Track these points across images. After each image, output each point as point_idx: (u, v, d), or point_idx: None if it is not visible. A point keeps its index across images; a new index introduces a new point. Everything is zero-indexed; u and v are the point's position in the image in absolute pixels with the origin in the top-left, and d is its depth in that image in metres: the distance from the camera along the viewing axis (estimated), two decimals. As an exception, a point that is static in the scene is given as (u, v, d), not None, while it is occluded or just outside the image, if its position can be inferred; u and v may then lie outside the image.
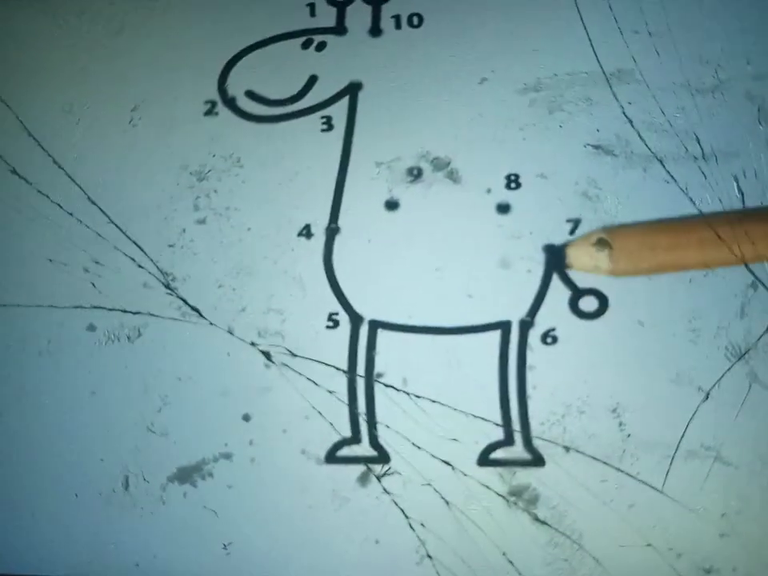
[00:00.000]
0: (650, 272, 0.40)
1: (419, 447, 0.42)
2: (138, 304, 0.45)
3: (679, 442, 0.40)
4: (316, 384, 0.43)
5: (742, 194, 0.41)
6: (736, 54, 0.42)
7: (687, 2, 0.43)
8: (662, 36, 0.43)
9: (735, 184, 0.41)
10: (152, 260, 0.45)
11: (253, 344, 0.43)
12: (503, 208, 0.43)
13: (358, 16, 0.46)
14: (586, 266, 0.40)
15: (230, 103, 0.46)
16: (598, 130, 0.43)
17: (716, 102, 0.42)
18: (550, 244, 0.42)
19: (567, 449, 0.41)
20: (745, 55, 0.42)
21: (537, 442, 0.41)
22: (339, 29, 0.46)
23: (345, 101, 0.45)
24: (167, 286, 0.45)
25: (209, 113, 0.46)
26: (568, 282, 0.42)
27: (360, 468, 0.42)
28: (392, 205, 0.44)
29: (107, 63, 0.48)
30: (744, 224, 0.39)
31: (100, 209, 0.46)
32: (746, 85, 0.42)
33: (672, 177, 0.42)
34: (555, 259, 0.42)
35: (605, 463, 0.40)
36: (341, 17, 0.47)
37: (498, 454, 0.41)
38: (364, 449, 0.42)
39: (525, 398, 0.41)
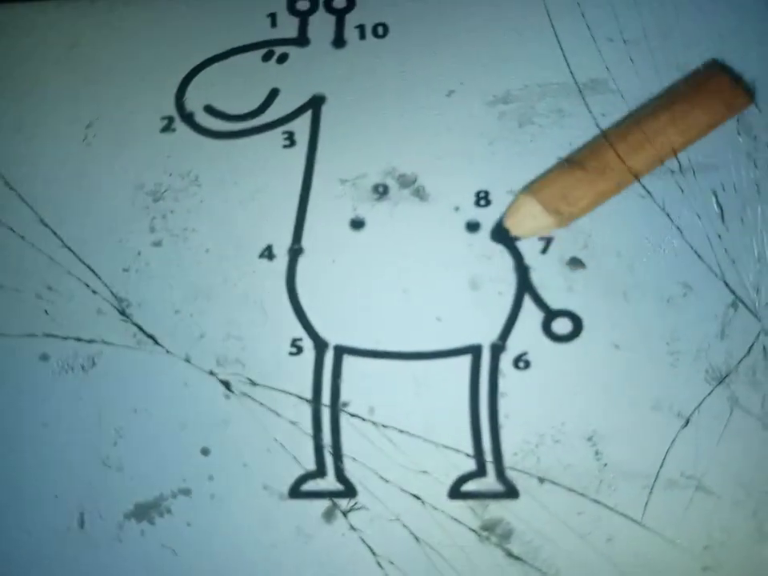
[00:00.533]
0: (590, 206, 0.39)
1: (387, 480, 0.40)
2: (92, 331, 0.43)
3: (658, 471, 0.38)
4: (278, 415, 0.41)
5: (722, 209, 0.40)
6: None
7: (663, 9, 0.42)
8: (638, 43, 0.42)
9: (714, 198, 0.40)
10: (106, 285, 0.43)
11: (211, 373, 0.41)
12: (473, 226, 0.41)
13: (321, 26, 0.45)
14: (533, 229, 0.40)
15: (188, 119, 0.45)
16: (570, 144, 0.41)
17: (693, 112, 0.40)
18: (521, 264, 0.40)
19: (542, 480, 0.39)
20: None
21: (510, 473, 0.39)
22: (301, 40, 0.45)
23: (308, 115, 0.43)
24: (122, 313, 0.43)
25: (166, 129, 0.45)
26: (540, 303, 0.40)
27: (325, 503, 0.40)
28: (357, 224, 0.42)
29: (60, 78, 0.46)
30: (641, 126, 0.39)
31: (53, 231, 0.44)
32: (723, 95, 0.40)
33: (647, 191, 0.40)
34: (527, 279, 0.40)
35: (581, 494, 0.39)
36: (303, 27, 0.45)
37: (469, 486, 0.39)
38: (329, 483, 0.40)
39: (497, 426, 0.39)
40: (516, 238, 0.40)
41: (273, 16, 0.45)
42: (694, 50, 0.41)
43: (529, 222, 0.39)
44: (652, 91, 0.41)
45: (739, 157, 0.40)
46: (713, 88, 0.39)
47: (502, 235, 0.41)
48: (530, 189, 0.40)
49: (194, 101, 0.45)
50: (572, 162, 0.39)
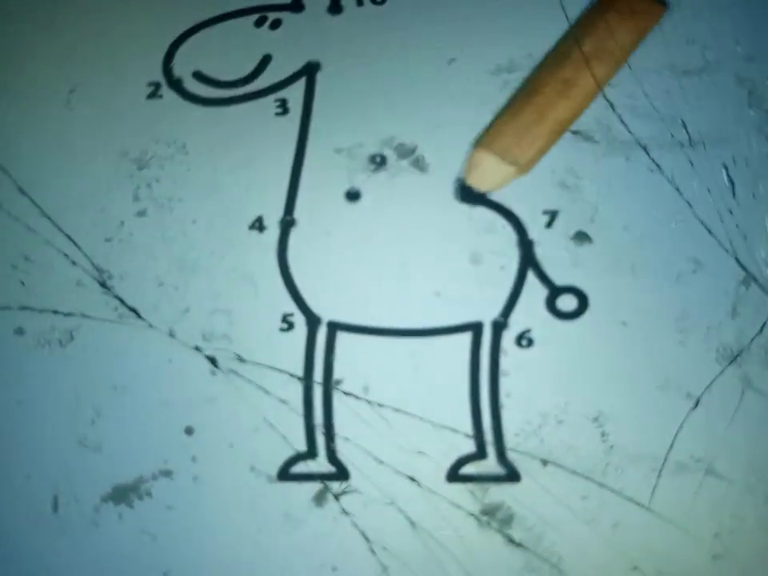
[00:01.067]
0: (548, 144, 0.38)
1: (382, 462, 0.38)
2: (71, 304, 0.41)
3: (667, 454, 0.37)
4: (267, 392, 0.39)
5: (732, 184, 0.38)
6: (724, 34, 0.40)
7: (672, -23, 0.40)
8: None
9: (725, 172, 0.38)
10: (87, 256, 0.41)
11: (197, 348, 0.39)
12: (474, 198, 0.39)
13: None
14: (496, 182, 0.39)
15: (176, 85, 0.43)
16: (576, 113, 0.39)
17: (703, 84, 0.39)
18: (525, 238, 0.39)
19: (545, 462, 0.37)
20: (734, 35, 0.40)
21: (511, 455, 0.37)
22: (296, 5, 0.43)
23: (301, 82, 0.42)
24: (103, 285, 0.41)
25: (152, 95, 0.43)
26: (544, 279, 0.38)
27: (316, 486, 0.38)
28: (353, 195, 0.40)
29: (43, 41, 0.44)
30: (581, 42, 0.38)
31: (31, 199, 0.42)
32: (735, 66, 0.39)
33: (657, 165, 0.39)
34: (530, 254, 0.39)
35: (586, 478, 0.37)
36: None
37: (468, 469, 0.38)
38: (320, 464, 0.38)
39: (498, 406, 0.38)
40: (484, 194, 0.39)
41: (267, -20, 0.44)
42: (704, 23, 0.40)
43: (490, 176, 0.39)
44: (661, 63, 0.40)
45: (750, 130, 0.39)
46: None
47: (467, 194, 0.39)
48: (482, 142, 0.39)
49: (183, 67, 0.43)
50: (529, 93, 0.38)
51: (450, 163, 0.40)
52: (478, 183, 0.39)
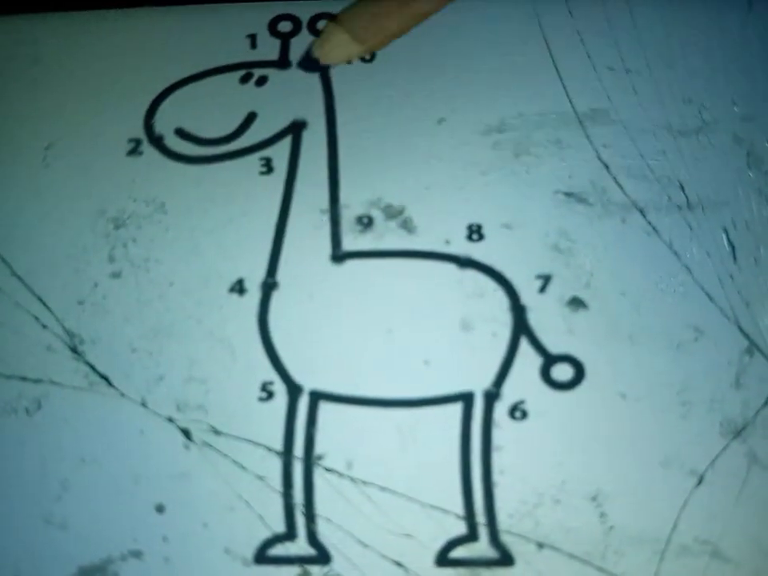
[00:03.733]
0: (400, 32, 0.39)
1: (366, 545, 0.35)
2: (40, 370, 0.39)
3: (670, 536, 0.35)
4: (243, 468, 0.36)
5: (733, 247, 0.37)
6: (721, 93, 0.39)
7: (666, 37, 0.40)
8: (640, 73, 0.40)
9: (725, 236, 0.37)
10: (57, 319, 0.39)
11: (170, 420, 0.37)
12: (464, 262, 0.38)
13: (304, 49, 0.42)
14: (341, 57, 0.40)
15: (157, 142, 0.41)
16: (569, 176, 0.38)
17: (701, 145, 0.38)
18: (517, 303, 0.37)
19: (540, 545, 0.35)
20: (730, 94, 0.39)
21: (505, 537, 0.35)
22: (282, 62, 0.42)
23: (287, 141, 0.41)
24: (73, 350, 0.39)
25: (132, 152, 0.41)
26: (538, 347, 0.37)
27: (295, 570, 0.36)
28: (338, 257, 0.39)
29: (20, 95, 0.43)
30: None
31: (1, 258, 0.40)
32: (733, 126, 0.39)
33: (654, 228, 0.38)
34: (523, 320, 0.37)
35: (584, 562, 0.35)
36: (284, 49, 0.43)
37: (459, 552, 0.35)
38: (300, 547, 0.36)
39: (490, 484, 0.36)
40: (326, 67, 0.41)
41: (253, 37, 0.43)
42: (700, 82, 0.40)
43: (337, 51, 0.40)
44: (656, 123, 0.39)
45: (750, 192, 0.38)
46: None
47: (310, 63, 0.41)
48: (339, 18, 0.40)
49: (165, 123, 0.42)
50: None
51: (438, 225, 0.39)
52: (324, 56, 0.41)
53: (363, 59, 0.42)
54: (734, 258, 0.37)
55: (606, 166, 0.38)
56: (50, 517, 0.37)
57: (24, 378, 0.39)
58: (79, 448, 0.38)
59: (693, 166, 0.38)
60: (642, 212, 0.38)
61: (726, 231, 0.37)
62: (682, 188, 0.38)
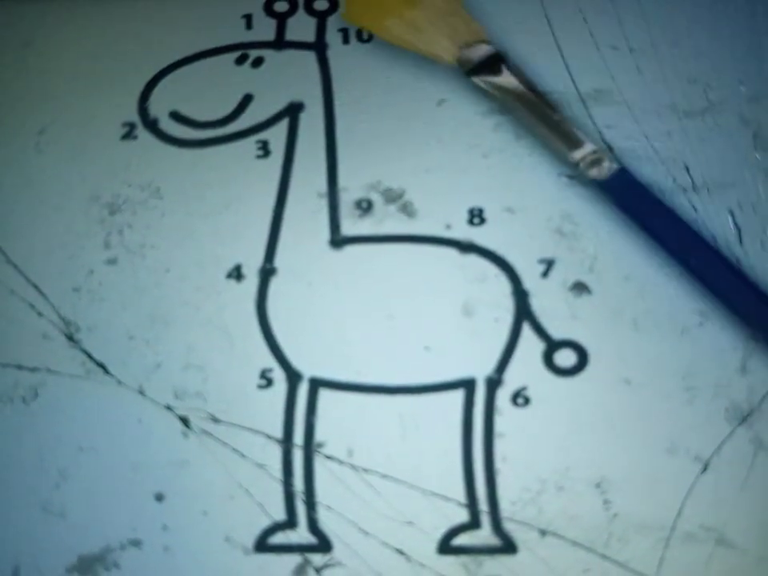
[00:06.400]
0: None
1: (367, 533, 0.35)
2: (36, 359, 0.38)
3: (674, 523, 0.34)
4: (243, 456, 0.36)
5: (739, 230, 0.36)
6: (727, 73, 0.38)
7: (672, 15, 0.39)
8: (645, 52, 0.39)
9: (731, 219, 0.36)
10: (53, 307, 0.39)
11: (168, 407, 0.37)
12: (465, 247, 0.37)
13: (301, 29, 0.42)
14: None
15: (152, 125, 0.41)
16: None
17: (706, 126, 0.38)
18: (520, 288, 0.36)
19: (543, 532, 0.34)
20: (737, 74, 0.38)
21: (508, 525, 0.35)
22: (279, 43, 0.42)
23: (284, 123, 0.40)
24: (70, 338, 0.38)
25: (126, 136, 0.41)
26: (541, 332, 0.36)
27: (296, 558, 0.35)
28: (337, 242, 0.38)
29: (12, 79, 0.43)
30: None
31: (-4, 245, 0.40)
32: (739, 107, 0.38)
33: (659, 211, 0.37)
34: (526, 305, 0.36)
35: (588, 549, 0.34)
36: (281, 30, 0.42)
37: (461, 540, 0.35)
38: (301, 535, 0.35)
39: (493, 471, 0.35)
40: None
41: (248, 17, 0.43)
42: (706, 61, 0.39)
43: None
44: (661, 103, 0.38)
45: (757, 174, 0.37)
46: None
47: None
48: None
49: (159, 106, 0.41)
50: None
51: (439, 209, 0.38)
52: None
53: (361, 39, 0.41)
54: (740, 240, 0.36)
55: (610, 148, 0.38)
56: (49, 506, 0.37)
57: (20, 367, 0.38)
58: (77, 437, 0.37)
59: (698, 147, 0.37)
60: (646, 195, 0.37)
61: (732, 214, 0.36)
62: (687, 170, 0.37)
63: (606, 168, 0.36)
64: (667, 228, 0.35)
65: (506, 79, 0.37)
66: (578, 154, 0.36)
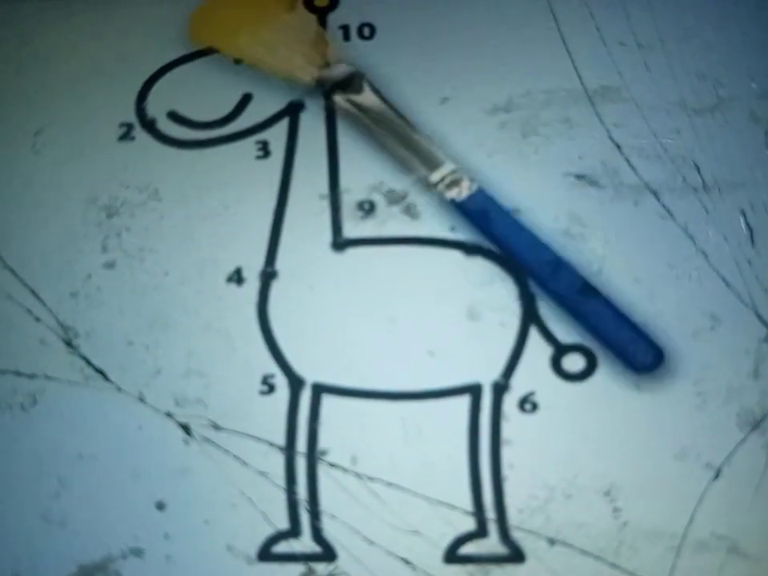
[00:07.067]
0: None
1: (372, 542, 0.35)
2: (34, 365, 0.38)
3: (686, 531, 0.34)
4: (245, 464, 0.35)
5: (751, 231, 0.36)
6: (738, 69, 0.38)
7: (681, 10, 0.38)
8: (653, 48, 0.38)
9: (742, 219, 0.36)
10: (51, 312, 0.38)
11: (169, 414, 0.36)
12: (470, 249, 0.37)
13: (301, 26, 0.41)
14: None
15: (149, 126, 0.40)
16: (580, 157, 0.37)
17: (717, 123, 0.37)
18: (527, 291, 0.36)
19: (552, 541, 0.34)
20: (748, 70, 0.38)
21: (515, 534, 0.34)
22: (278, 40, 0.41)
23: (284, 123, 0.39)
24: (68, 343, 0.38)
25: (124, 137, 0.40)
26: (549, 336, 0.35)
27: (300, 568, 0.35)
28: (339, 245, 0.37)
29: (7, 79, 0.42)
30: None
31: (-8, 250, 0.39)
32: (750, 104, 0.37)
33: (668, 211, 0.36)
34: (533, 309, 0.36)
35: (597, 558, 0.34)
36: None
37: (468, 549, 0.34)
38: (304, 544, 0.35)
39: (500, 479, 0.34)
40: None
41: (247, 15, 0.41)
42: (715, 57, 0.38)
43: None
44: (670, 100, 0.37)
45: (768, 173, 0.36)
46: None
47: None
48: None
49: (157, 106, 0.40)
50: None
51: (443, 210, 0.37)
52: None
53: (362, 36, 0.40)
54: (752, 241, 0.35)
55: (618, 146, 0.37)
56: (48, 514, 0.37)
57: (18, 373, 0.38)
58: (76, 444, 0.37)
59: (708, 145, 0.37)
60: (655, 194, 0.36)
61: (743, 214, 0.36)
62: (698, 169, 0.36)
63: (466, 188, 0.35)
64: (525, 248, 0.35)
65: (367, 98, 0.37)
66: (436, 175, 0.36)
